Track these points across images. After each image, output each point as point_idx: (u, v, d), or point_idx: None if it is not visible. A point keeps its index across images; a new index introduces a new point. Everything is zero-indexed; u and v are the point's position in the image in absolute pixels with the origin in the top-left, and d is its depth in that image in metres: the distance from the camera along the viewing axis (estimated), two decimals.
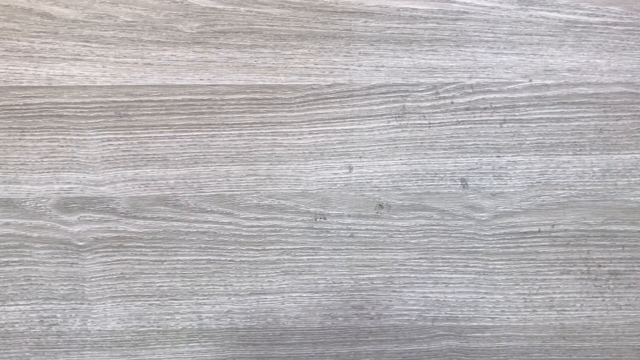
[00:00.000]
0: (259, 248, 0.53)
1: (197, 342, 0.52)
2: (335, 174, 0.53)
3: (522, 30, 0.54)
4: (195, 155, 0.53)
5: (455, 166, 0.53)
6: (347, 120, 0.53)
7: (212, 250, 0.53)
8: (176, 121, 0.53)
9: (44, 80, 0.53)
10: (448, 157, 0.53)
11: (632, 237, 0.53)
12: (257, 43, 0.54)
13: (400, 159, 0.53)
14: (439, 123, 0.53)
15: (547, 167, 0.54)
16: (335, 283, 0.53)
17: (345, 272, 0.53)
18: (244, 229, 0.53)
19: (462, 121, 0.53)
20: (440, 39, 0.54)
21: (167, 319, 0.52)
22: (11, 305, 0.52)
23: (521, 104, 0.54)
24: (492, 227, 0.54)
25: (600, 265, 0.53)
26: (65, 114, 0.53)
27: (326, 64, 0.54)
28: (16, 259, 0.52)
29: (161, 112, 0.53)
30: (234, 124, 0.53)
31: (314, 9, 0.54)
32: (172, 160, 0.53)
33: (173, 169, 0.53)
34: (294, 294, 0.53)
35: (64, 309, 0.52)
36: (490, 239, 0.54)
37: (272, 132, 0.53)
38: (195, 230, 0.53)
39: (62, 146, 0.52)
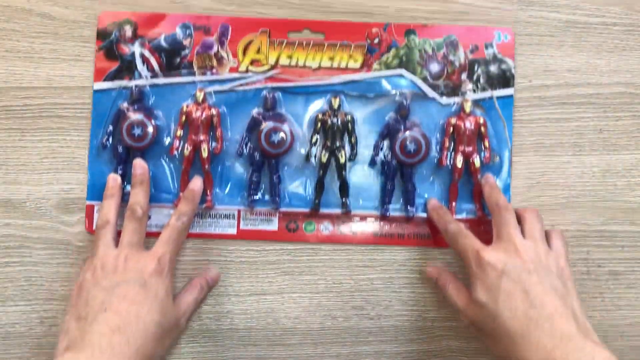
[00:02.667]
0: (258, 248, 0.53)
1: (197, 342, 0.52)
2: None
3: (521, 30, 0.54)
4: None
5: None
6: None
7: (213, 250, 0.53)
8: None
9: (43, 81, 0.53)
10: None
11: (632, 237, 0.53)
12: None
13: None
14: None
15: (547, 167, 0.54)
16: (335, 283, 0.53)
17: (345, 272, 0.53)
18: None
19: None
20: None
21: None
22: (11, 305, 0.52)
23: (521, 104, 0.54)
24: None
25: (600, 266, 0.53)
26: (65, 114, 0.53)
27: None
28: (16, 259, 0.52)
29: None
30: None
31: (314, 10, 0.54)
32: None
33: None
34: (294, 295, 0.53)
35: (65, 310, 0.52)
36: None
37: None
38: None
39: (62, 147, 0.52)
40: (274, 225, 0.52)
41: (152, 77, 0.52)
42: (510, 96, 0.53)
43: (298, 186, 0.52)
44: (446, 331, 0.53)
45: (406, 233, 0.53)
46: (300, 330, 0.52)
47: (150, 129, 0.50)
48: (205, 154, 0.50)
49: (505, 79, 0.53)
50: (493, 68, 0.52)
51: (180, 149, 0.51)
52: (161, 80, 0.52)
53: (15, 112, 0.53)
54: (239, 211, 0.52)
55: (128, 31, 0.52)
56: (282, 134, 0.50)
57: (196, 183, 0.50)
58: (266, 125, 0.50)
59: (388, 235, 0.52)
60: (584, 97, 0.54)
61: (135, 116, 0.50)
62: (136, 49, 0.52)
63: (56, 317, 0.52)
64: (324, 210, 0.52)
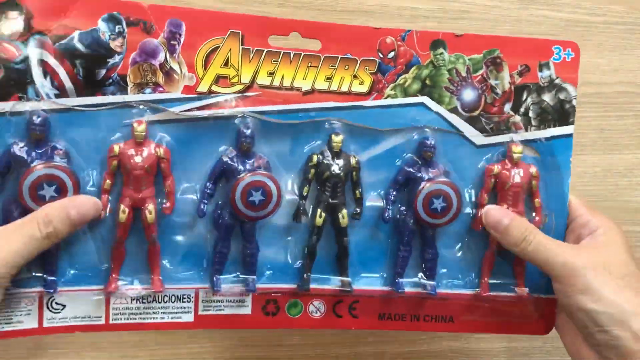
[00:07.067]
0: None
1: (197, 343, 0.52)
2: None
3: (523, 29, 0.54)
4: None
5: None
6: None
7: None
8: None
9: None
10: None
11: (633, 237, 0.53)
12: None
13: None
14: None
15: None
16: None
17: None
18: None
19: None
20: None
21: None
22: None
23: None
24: None
25: None
26: None
27: None
28: None
29: None
30: None
31: (314, 9, 0.54)
32: None
33: None
34: None
35: None
36: None
37: None
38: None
39: None
40: (246, 309, 0.39)
41: (58, 96, 0.34)
42: (570, 135, 0.39)
43: (279, 253, 0.39)
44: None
45: (422, 315, 0.40)
46: (300, 331, 0.52)
47: (69, 185, 0.33)
48: (151, 217, 0.35)
49: (563, 113, 0.39)
50: (547, 97, 0.39)
51: (111, 210, 0.35)
52: (75, 101, 0.34)
53: None
54: (196, 291, 0.38)
55: (17, 22, 0.33)
56: (265, 191, 0.36)
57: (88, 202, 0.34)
58: (244, 178, 0.35)
59: (399, 317, 0.39)
60: (585, 96, 0.54)
61: (44, 169, 0.33)
62: (32, 51, 0.33)
63: None
64: (314, 286, 0.38)
